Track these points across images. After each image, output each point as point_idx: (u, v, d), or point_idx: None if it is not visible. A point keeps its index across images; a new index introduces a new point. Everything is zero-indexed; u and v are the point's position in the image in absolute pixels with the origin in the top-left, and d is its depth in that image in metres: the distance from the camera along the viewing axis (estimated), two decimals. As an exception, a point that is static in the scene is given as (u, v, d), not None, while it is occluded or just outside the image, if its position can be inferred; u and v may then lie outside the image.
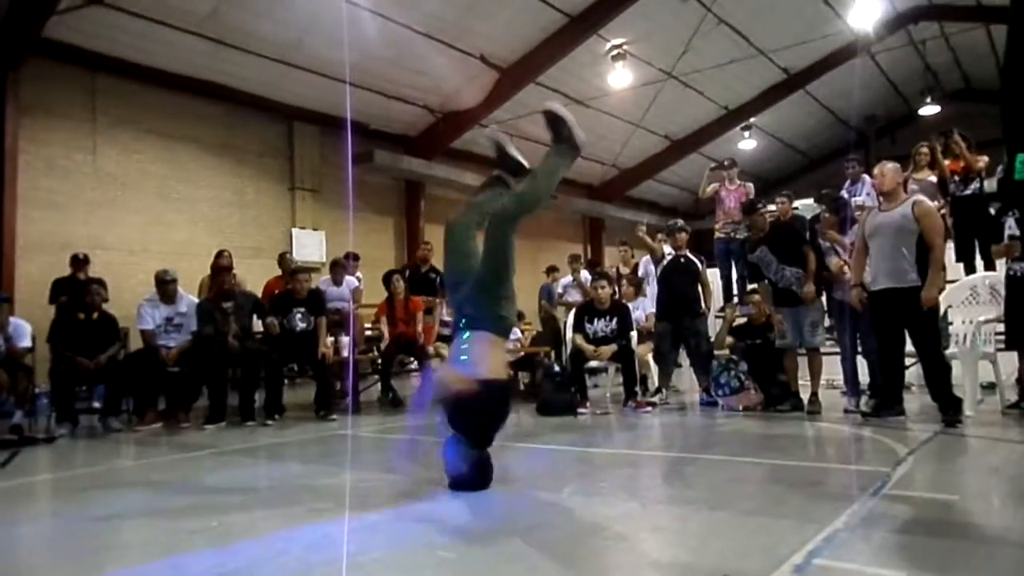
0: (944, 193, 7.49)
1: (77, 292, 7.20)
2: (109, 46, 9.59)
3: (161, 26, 9.41)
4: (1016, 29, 1.97)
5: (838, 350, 6.23)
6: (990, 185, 7.35)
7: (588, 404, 6.56)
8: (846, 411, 5.73)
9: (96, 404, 7.01)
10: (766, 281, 6.14)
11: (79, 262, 7.95)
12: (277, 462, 4.64)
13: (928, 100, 15.73)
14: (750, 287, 7.31)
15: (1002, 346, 5.81)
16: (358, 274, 8.94)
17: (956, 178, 7.48)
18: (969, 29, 14.02)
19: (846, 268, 5.78)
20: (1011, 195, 5.19)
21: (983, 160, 7.41)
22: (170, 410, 6.48)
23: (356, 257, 9.21)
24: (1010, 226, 5.54)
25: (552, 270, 10.26)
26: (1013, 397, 5.73)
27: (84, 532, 2.89)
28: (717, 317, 8.57)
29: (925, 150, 7.47)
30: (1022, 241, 5.39)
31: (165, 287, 6.55)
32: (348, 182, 13.21)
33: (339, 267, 8.31)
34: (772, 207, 7.93)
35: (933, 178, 7.48)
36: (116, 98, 10.03)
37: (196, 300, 6.91)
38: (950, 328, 5.97)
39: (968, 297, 5.93)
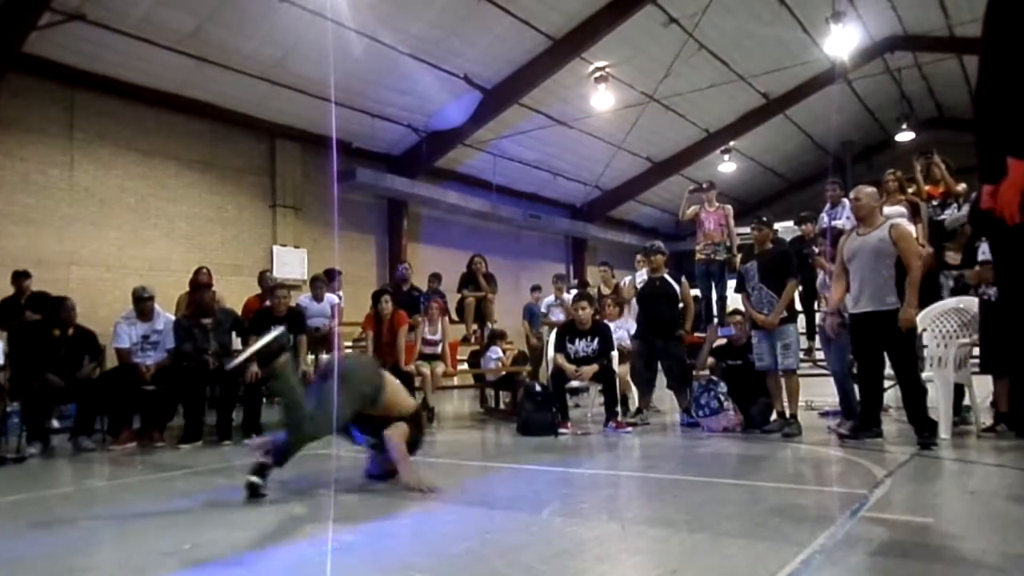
0: (916, 218, 7.57)
1: (52, 309, 7.07)
2: (90, 62, 9.54)
3: (143, 43, 9.39)
4: (988, 62, 2.02)
5: (815, 371, 6.28)
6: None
7: (569, 424, 6.55)
8: (829, 429, 5.84)
9: (55, 423, 6.89)
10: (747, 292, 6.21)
11: (20, 276, 7.77)
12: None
13: (904, 127, 16.08)
14: (731, 308, 7.37)
15: (977, 370, 5.89)
16: (339, 292, 8.88)
17: (934, 202, 7.58)
18: (941, 59, 14.39)
19: (826, 295, 5.87)
20: (979, 224, 5.30)
21: (963, 185, 7.52)
22: (145, 429, 6.36)
23: (339, 273, 9.11)
24: (983, 251, 5.63)
25: (535, 289, 10.30)
26: (988, 421, 5.80)
27: (54, 554, 2.82)
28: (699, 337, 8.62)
29: (891, 177, 7.57)
30: (994, 266, 5.47)
31: (142, 304, 6.45)
32: (335, 199, 13.20)
33: (319, 283, 8.24)
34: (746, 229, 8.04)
35: (903, 208, 7.56)
36: (95, 114, 9.97)
37: (173, 317, 6.82)
38: (925, 351, 6.05)
39: (943, 321, 6.01)
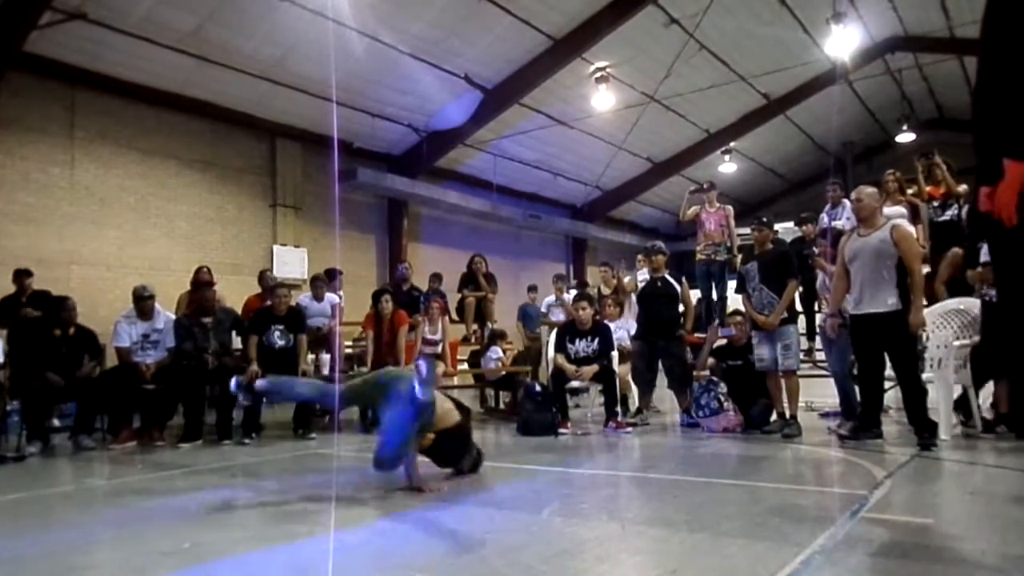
0: (916, 219, 7.56)
1: (53, 308, 7.08)
2: (90, 61, 9.54)
3: (144, 42, 9.38)
4: (986, 63, 2.02)
5: (815, 372, 6.28)
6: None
7: (569, 424, 6.55)
8: (830, 430, 5.85)
9: (56, 422, 6.88)
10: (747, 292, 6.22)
11: (22, 275, 7.78)
12: (254, 481, 4.58)
13: (904, 128, 16.07)
14: (731, 309, 7.38)
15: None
16: (340, 291, 8.87)
17: (935, 203, 7.57)
18: (942, 60, 14.38)
19: (826, 296, 5.87)
20: (977, 226, 5.29)
21: (963, 186, 7.51)
22: (145, 428, 6.37)
23: (339, 272, 9.08)
24: (985, 252, 5.62)
25: (531, 289, 10.30)
26: (988, 415, 5.80)
27: (54, 553, 2.82)
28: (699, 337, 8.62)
29: (891, 178, 7.57)
30: (994, 267, 5.46)
31: (143, 303, 6.46)
32: (335, 199, 13.19)
33: (319, 283, 8.24)
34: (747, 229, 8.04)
35: (903, 209, 7.56)
36: (95, 113, 9.97)
37: (173, 316, 6.82)
38: (925, 352, 6.04)
39: (944, 322, 6.01)
